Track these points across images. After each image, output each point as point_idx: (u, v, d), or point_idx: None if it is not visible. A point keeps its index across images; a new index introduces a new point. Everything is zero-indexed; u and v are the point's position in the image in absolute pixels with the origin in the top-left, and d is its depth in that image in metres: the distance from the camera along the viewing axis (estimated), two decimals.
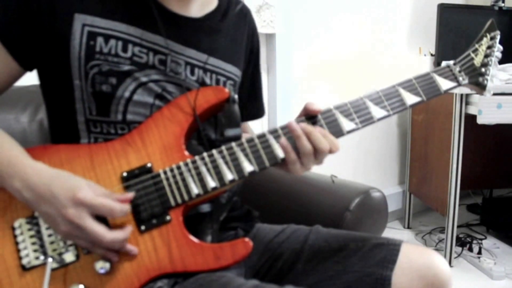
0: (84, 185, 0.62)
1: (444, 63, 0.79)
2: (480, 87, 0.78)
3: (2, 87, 0.74)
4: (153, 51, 0.74)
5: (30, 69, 0.74)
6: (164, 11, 0.76)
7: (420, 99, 0.75)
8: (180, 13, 0.78)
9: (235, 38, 0.87)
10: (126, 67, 0.71)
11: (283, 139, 0.68)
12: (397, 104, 0.74)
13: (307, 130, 0.68)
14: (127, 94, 0.72)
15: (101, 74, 0.70)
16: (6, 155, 0.65)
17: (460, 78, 0.77)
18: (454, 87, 0.77)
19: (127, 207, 0.64)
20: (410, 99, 0.74)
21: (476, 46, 0.79)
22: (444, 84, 0.76)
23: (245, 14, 0.91)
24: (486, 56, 0.78)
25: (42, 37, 0.70)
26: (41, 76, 0.76)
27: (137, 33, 0.73)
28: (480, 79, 0.78)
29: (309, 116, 0.71)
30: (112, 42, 0.71)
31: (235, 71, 0.85)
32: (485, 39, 0.79)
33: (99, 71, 0.70)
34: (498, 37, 0.80)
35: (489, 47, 0.79)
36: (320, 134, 0.68)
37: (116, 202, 0.63)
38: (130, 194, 0.65)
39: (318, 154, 0.68)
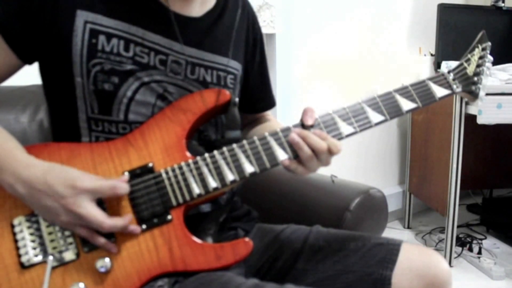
0: (80, 173, 0.63)
1: (442, 67, 0.81)
2: (473, 95, 0.81)
3: (1, 78, 0.74)
4: (154, 51, 0.74)
5: (30, 62, 0.75)
6: (165, 11, 0.76)
7: (416, 105, 0.76)
8: (182, 13, 0.78)
9: (235, 32, 0.86)
10: (129, 67, 0.72)
11: (286, 160, 0.70)
12: (393, 109, 0.75)
13: (302, 135, 0.69)
14: (129, 93, 0.72)
15: (104, 72, 0.70)
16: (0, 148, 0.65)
17: (454, 86, 0.79)
18: (449, 95, 0.79)
19: (127, 185, 0.65)
20: (406, 105, 0.76)
21: (469, 56, 0.81)
22: (439, 91, 0.78)
23: (243, 5, 0.91)
24: (478, 66, 0.81)
25: (44, 32, 0.70)
26: (42, 72, 0.76)
27: (139, 32, 0.73)
28: (473, 87, 0.80)
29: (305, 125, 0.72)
30: (114, 41, 0.71)
31: (235, 65, 0.85)
32: (477, 49, 0.82)
33: (101, 69, 0.70)
34: (489, 48, 0.82)
35: (480, 58, 0.81)
36: (318, 136, 0.69)
37: (116, 180, 0.64)
38: (126, 176, 0.67)
39: (317, 155, 0.69)
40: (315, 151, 0.68)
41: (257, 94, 0.96)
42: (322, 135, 0.70)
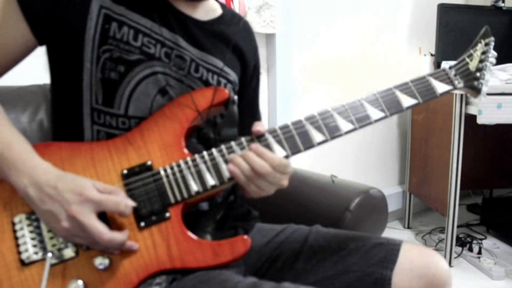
0: (90, 184, 0.64)
1: (443, 65, 0.80)
2: (475, 91, 0.80)
3: (14, 59, 0.74)
4: (161, 43, 0.75)
5: (42, 43, 0.75)
6: (173, 9, 0.78)
7: (416, 101, 0.76)
8: (188, 14, 0.80)
9: (235, 47, 0.87)
10: (135, 56, 0.73)
11: (230, 165, 0.68)
12: (393, 105, 0.75)
13: (244, 156, 0.68)
14: (132, 83, 0.73)
15: (112, 60, 0.72)
16: (18, 150, 0.66)
17: (456, 82, 0.79)
18: (450, 91, 0.79)
19: (131, 203, 0.65)
20: (406, 101, 0.76)
21: (471, 51, 0.81)
22: (440, 87, 0.78)
23: (249, 30, 0.93)
24: (481, 61, 0.80)
25: (60, 13, 0.71)
26: (51, 58, 0.77)
27: (148, 24, 0.75)
28: (475, 83, 0.79)
29: (257, 136, 0.71)
30: (125, 29, 0.73)
31: (234, 77, 0.86)
32: (479, 45, 0.81)
33: (110, 56, 0.72)
34: (493, 43, 0.82)
35: (483, 53, 0.81)
36: (256, 153, 0.68)
37: (121, 197, 0.64)
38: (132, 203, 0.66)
39: (264, 176, 0.67)
40: (255, 171, 0.67)
41: (245, 118, 0.92)
42: (261, 151, 0.68)
